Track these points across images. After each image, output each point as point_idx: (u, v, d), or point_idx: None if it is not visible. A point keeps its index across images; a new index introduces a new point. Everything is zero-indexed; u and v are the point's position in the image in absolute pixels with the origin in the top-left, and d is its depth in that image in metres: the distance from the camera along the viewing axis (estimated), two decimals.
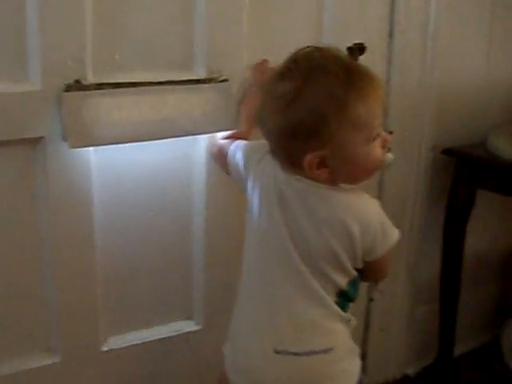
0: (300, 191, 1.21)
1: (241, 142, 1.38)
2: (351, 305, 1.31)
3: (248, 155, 1.33)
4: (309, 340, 1.25)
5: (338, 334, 1.29)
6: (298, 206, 1.21)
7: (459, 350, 2.17)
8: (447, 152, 1.92)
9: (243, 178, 1.33)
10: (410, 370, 2.18)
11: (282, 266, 1.24)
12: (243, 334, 1.31)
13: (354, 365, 1.32)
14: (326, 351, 1.26)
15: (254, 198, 1.28)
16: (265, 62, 1.46)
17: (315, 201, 1.21)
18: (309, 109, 1.13)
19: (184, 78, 1.42)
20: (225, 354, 1.36)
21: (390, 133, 1.79)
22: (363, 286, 1.91)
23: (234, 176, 1.38)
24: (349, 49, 1.64)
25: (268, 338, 1.26)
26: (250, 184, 1.30)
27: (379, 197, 1.86)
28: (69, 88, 1.29)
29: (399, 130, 1.82)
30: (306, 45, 1.21)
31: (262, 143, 1.26)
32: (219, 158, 1.44)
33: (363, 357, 2.03)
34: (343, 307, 1.28)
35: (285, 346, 1.24)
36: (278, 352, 1.24)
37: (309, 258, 1.23)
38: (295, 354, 1.24)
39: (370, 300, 1.98)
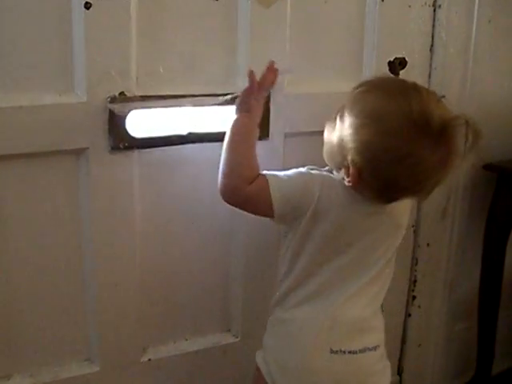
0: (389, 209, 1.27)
1: (280, 178, 1.28)
2: None
3: (305, 191, 1.26)
4: (362, 338, 1.30)
5: (381, 331, 1.35)
6: (379, 221, 1.27)
7: (498, 367, 2.13)
8: (488, 167, 1.90)
9: (298, 214, 1.26)
10: None
11: (346, 270, 1.28)
12: (297, 335, 1.31)
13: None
14: (375, 348, 1.31)
15: (318, 229, 1.27)
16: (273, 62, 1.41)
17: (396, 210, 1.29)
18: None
19: (227, 91, 1.42)
20: (261, 361, 1.37)
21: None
22: (402, 302, 1.91)
23: (282, 211, 1.26)
24: (389, 63, 1.65)
25: (326, 338, 1.27)
26: (308, 218, 1.26)
27: (418, 212, 1.85)
28: (113, 100, 1.31)
29: None
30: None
31: (313, 177, 1.27)
32: (258, 199, 1.28)
33: (400, 372, 2.02)
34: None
35: (340, 345, 1.27)
36: (333, 352, 1.26)
37: (383, 262, 1.30)
38: (350, 352, 1.27)
39: (408, 315, 1.97)
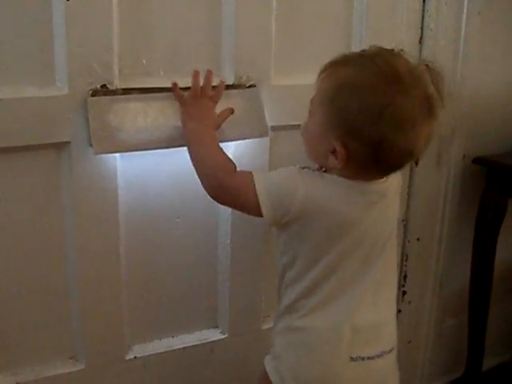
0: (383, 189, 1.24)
1: (266, 173, 1.28)
2: None
3: (288, 187, 1.21)
4: (379, 342, 1.28)
5: (396, 330, 1.34)
6: (381, 204, 1.25)
7: (488, 363, 2.13)
8: (478, 161, 1.90)
9: (288, 213, 1.21)
10: None
11: (362, 267, 1.25)
12: (316, 345, 1.27)
13: None
14: (391, 350, 1.30)
15: (320, 225, 1.22)
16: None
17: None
18: None
19: (212, 83, 1.40)
20: (273, 371, 1.32)
21: None
22: None
23: (272, 214, 1.22)
24: None
25: (346, 347, 1.24)
26: (302, 219, 1.21)
27: (408, 206, 1.84)
28: (95, 93, 1.29)
29: None
30: (342, 52, 1.22)
31: (297, 175, 1.22)
32: (245, 190, 1.24)
33: None
34: None
35: (359, 352, 1.24)
36: (353, 359, 1.24)
37: (387, 251, 1.28)
38: (368, 358, 1.25)
39: (398, 311, 1.95)
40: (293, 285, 1.28)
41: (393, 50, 1.19)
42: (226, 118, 1.38)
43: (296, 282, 1.27)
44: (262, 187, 1.22)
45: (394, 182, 1.27)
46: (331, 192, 1.21)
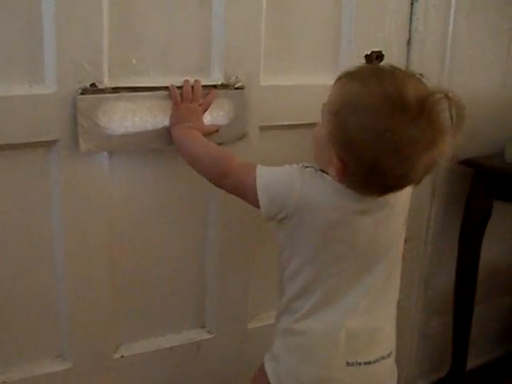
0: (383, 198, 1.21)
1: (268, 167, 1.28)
2: None
3: (287, 183, 1.22)
4: (377, 347, 1.27)
5: (395, 334, 1.33)
6: (381, 214, 1.23)
7: (472, 364, 2.15)
8: (464, 163, 1.90)
9: (287, 212, 1.22)
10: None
11: (359, 274, 1.24)
12: (313, 349, 1.27)
13: None
14: (389, 355, 1.29)
15: (313, 227, 1.22)
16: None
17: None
18: None
19: (201, 83, 1.40)
20: (271, 371, 1.32)
21: None
22: None
23: (268, 209, 1.23)
24: (366, 56, 1.64)
25: (342, 351, 1.24)
26: (295, 216, 1.22)
27: None
28: (84, 91, 1.29)
29: None
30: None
31: (296, 173, 1.22)
32: (248, 175, 1.26)
33: None
34: None
35: (356, 357, 1.24)
36: (349, 364, 1.23)
37: (389, 258, 1.27)
38: (365, 363, 1.25)
39: None
40: (290, 282, 1.28)
41: (410, 72, 1.17)
42: (211, 132, 1.42)
43: (292, 280, 1.27)
44: (262, 181, 1.23)
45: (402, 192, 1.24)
46: (327, 194, 1.20)
